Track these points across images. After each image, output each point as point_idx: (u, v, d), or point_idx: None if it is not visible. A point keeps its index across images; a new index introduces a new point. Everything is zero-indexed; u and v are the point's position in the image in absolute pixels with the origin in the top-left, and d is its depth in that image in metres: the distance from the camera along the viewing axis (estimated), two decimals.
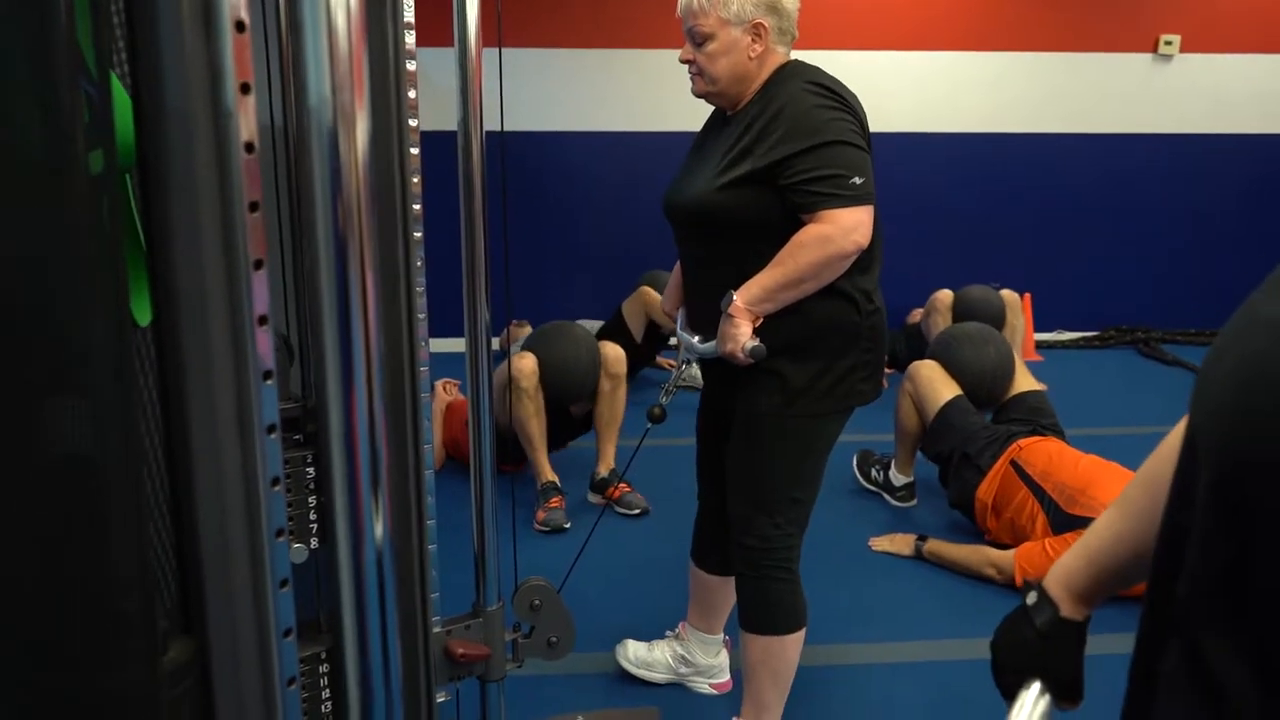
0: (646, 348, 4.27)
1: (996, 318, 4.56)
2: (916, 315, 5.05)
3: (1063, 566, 0.86)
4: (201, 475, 0.83)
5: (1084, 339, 5.57)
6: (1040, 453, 2.87)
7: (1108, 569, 0.83)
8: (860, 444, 3.53)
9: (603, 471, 3.30)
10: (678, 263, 2.01)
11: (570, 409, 3.36)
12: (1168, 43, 5.29)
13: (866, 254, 1.73)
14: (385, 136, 0.80)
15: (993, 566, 2.69)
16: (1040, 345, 5.33)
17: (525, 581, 1.77)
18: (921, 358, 3.38)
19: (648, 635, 2.39)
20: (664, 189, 1.93)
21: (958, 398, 3.11)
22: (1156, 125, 5.32)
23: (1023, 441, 2.93)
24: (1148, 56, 5.33)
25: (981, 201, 5.46)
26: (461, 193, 1.44)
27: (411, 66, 0.92)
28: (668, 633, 2.37)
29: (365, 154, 0.78)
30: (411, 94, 0.93)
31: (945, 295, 4.70)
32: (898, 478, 3.30)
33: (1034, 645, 0.85)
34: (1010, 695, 0.85)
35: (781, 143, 1.67)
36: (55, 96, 0.83)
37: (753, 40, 1.74)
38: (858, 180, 1.65)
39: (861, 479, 3.43)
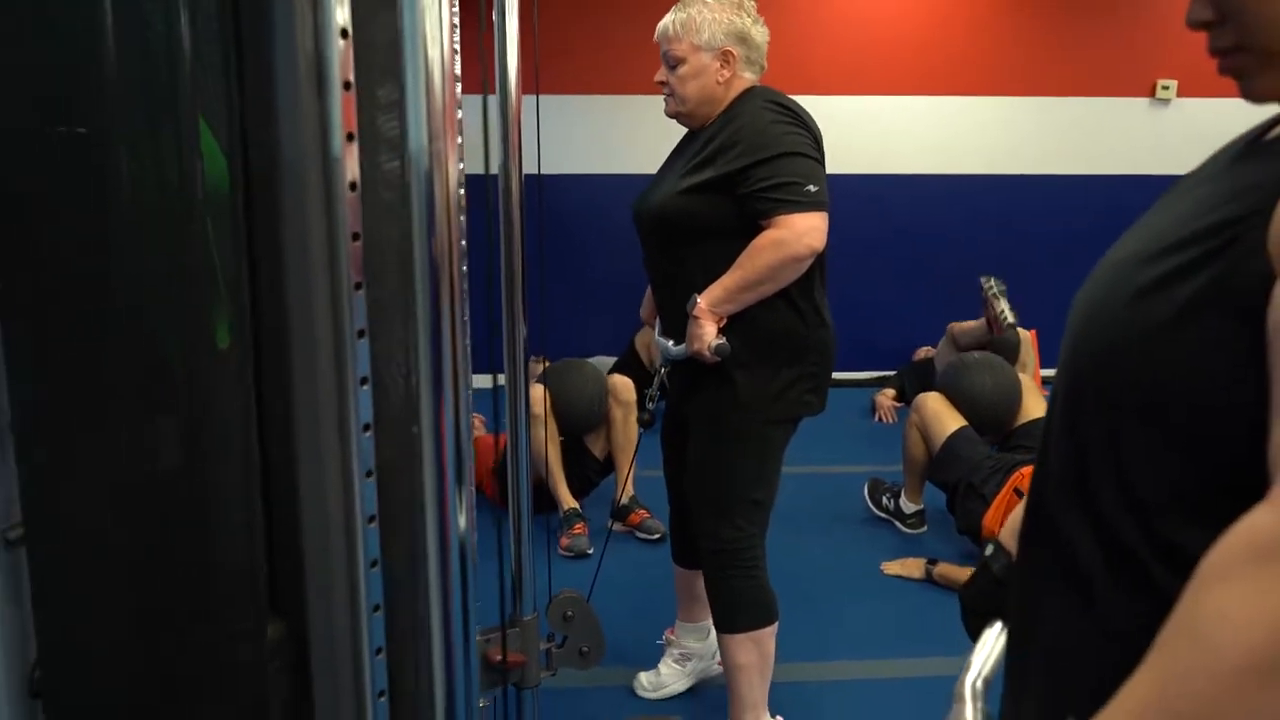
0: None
1: (1011, 350, 4.63)
2: (921, 353, 5.16)
3: (1014, 520, 0.99)
4: (305, 469, 0.95)
5: None
6: None
7: None
8: (870, 473, 3.64)
9: (623, 499, 3.41)
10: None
11: (590, 447, 3.49)
12: (1165, 87, 5.46)
13: (811, 272, 1.85)
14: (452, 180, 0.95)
15: None
16: (1047, 381, 5.44)
17: (560, 593, 1.89)
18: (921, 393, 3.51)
19: (659, 649, 2.50)
20: None
21: (962, 428, 3.22)
22: (1155, 167, 5.46)
23: (1025, 470, 3.03)
24: (1145, 101, 5.50)
25: (987, 241, 5.60)
26: (502, 233, 1.58)
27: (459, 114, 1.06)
28: (658, 643, 2.49)
29: (456, 194, 0.92)
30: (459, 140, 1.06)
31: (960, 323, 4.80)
32: (907, 505, 3.40)
33: (992, 589, 0.98)
34: (975, 636, 0.97)
35: (741, 155, 1.82)
36: (178, 141, 0.98)
37: (721, 66, 1.91)
38: (811, 188, 1.79)
39: (873, 507, 3.54)
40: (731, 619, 2.02)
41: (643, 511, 3.36)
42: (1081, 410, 0.76)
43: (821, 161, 1.86)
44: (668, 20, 1.95)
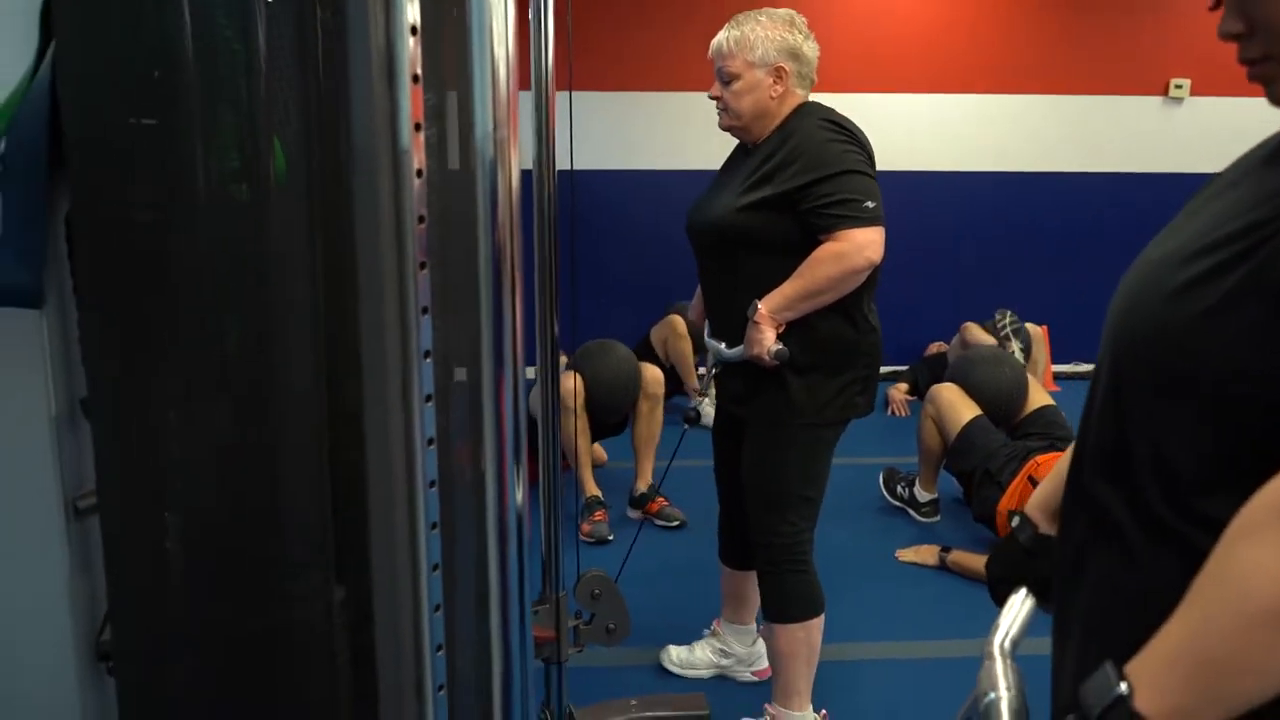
0: (670, 377, 4.49)
1: (1027, 344, 4.71)
2: (934, 348, 5.22)
3: (1038, 494, 1.07)
4: (372, 437, 1.02)
5: None
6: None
7: None
8: (886, 464, 3.70)
9: (641, 487, 3.48)
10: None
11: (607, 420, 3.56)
12: (1178, 86, 5.49)
13: (869, 279, 1.93)
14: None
15: None
16: (1059, 376, 5.49)
17: (587, 572, 1.96)
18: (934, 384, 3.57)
19: (689, 635, 2.57)
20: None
21: (978, 417, 3.28)
22: (1168, 165, 5.50)
23: (1040, 458, 3.09)
24: (1159, 99, 5.54)
25: (1000, 237, 5.65)
26: (536, 227, 1.64)
27: None
28: (705, 631, 2.55)
29: (518, 182, 1.00)
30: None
31: (974, 328, 4.88)
32: (922, 494, 3.46)
33: (1019, 558, 1.05)
34: (1001, 602, 1.04)
35: (800, 173, 1.88)
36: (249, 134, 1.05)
37: (774, 82, 1.97)
38: (870, 204, 1.86)
39: (888, 496, 3.60)
40: (782, 610, 2.10)
41: (661, 500, 3.43)
42: (1122, 395, 0.84)
43: (875, 178, 1.93)
44: (722, 37, 2.01)
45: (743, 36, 1.97)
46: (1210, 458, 0.76)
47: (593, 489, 3.40)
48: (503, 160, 0.98)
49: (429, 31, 0.95)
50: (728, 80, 2.00)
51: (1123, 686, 0.70)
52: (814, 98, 2.05)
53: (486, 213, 0.98)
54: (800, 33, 2.00)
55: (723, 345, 2.07)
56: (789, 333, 1.94)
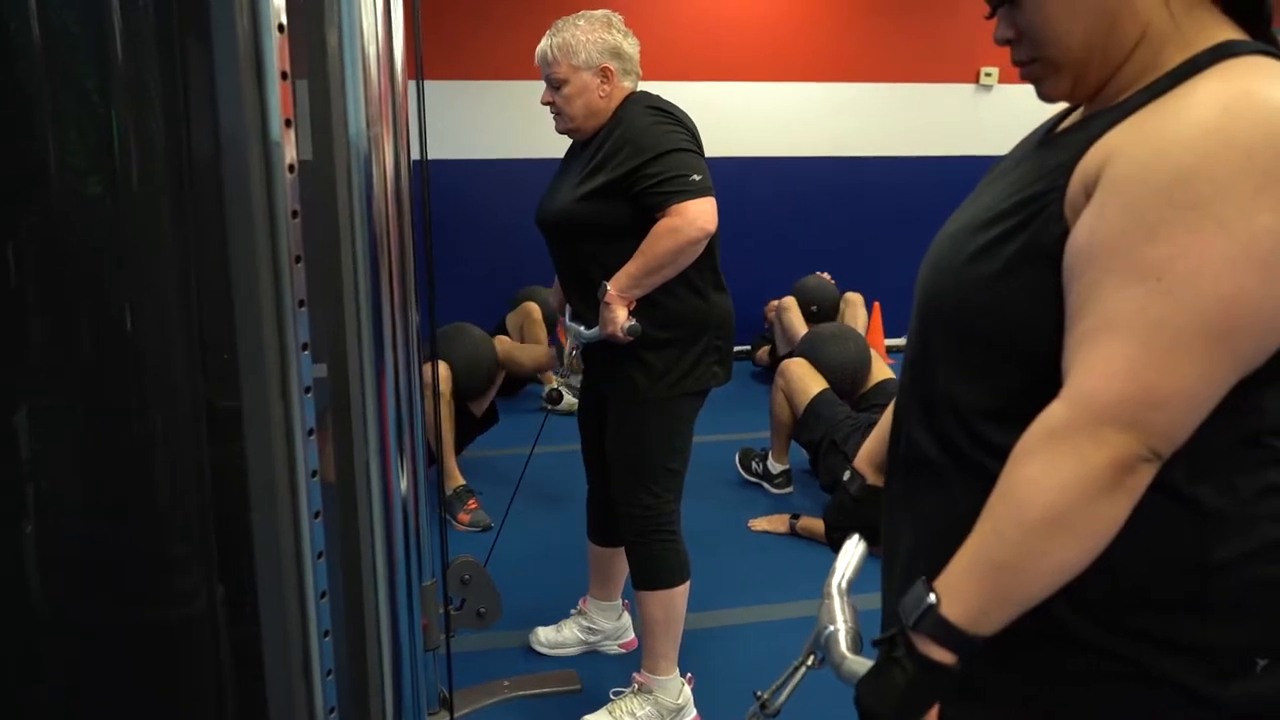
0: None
1: (832, 296, 5.03)
2: (771, 306, 5.46)
3: (865, 448, 1.21)
4: (251, 428, 1.03)
5: None
6: None
7: None
8: (742, 442, 3.87)
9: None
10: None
11: (470, 407, 3.56)
12: (988, 74, 5.90)
13: (707, 251, 2.03)
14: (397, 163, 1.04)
15: None
16: (891, 350, 5.83)
17: (456, 559, 1.98)
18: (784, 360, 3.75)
19: (559, 615, 2.62)
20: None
21: (824, 390, 3.47)
22: (980, 148, 5.91)
23: None
24: (971, 87, 5.94)
25: (830, 220, 5.93)
26: (391, 219, 1.65)
27: None
28: (571, 611, 2.62)
29: (392, 177, 1.02)
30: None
31: (788, 299, 5.10)
32: (775, 466, 3.63)
33: (850, 507, 1.18)
34: (837, 547, 1.17)
35: (628, 158, 1.98)
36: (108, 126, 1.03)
37: (601, 82, 2.06)
38: (696, 177, 1.97)
39: (743, 472, 3.76)
40: (649, 577, 2.18)
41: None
42: (929, 349, 0.98)
43: (700, 153, 2.02)
44: (545, 45, 2.08)
45: (564, 42, 2.05)
46: (1001, 397, 0.89)
47: (459, 478, 3.41)
48: (377, 152, 1.01)
49: (296, 26, 0.97)
50: (557, 86, 2.07)
51: (931, 597, 0.83)
52: (656, 88, 2.14)
53: (361, 204, 1.01)
54: (619, 31, 2.09)
55: (582, 327, 2.13)
56: (640, 309, 2.03)
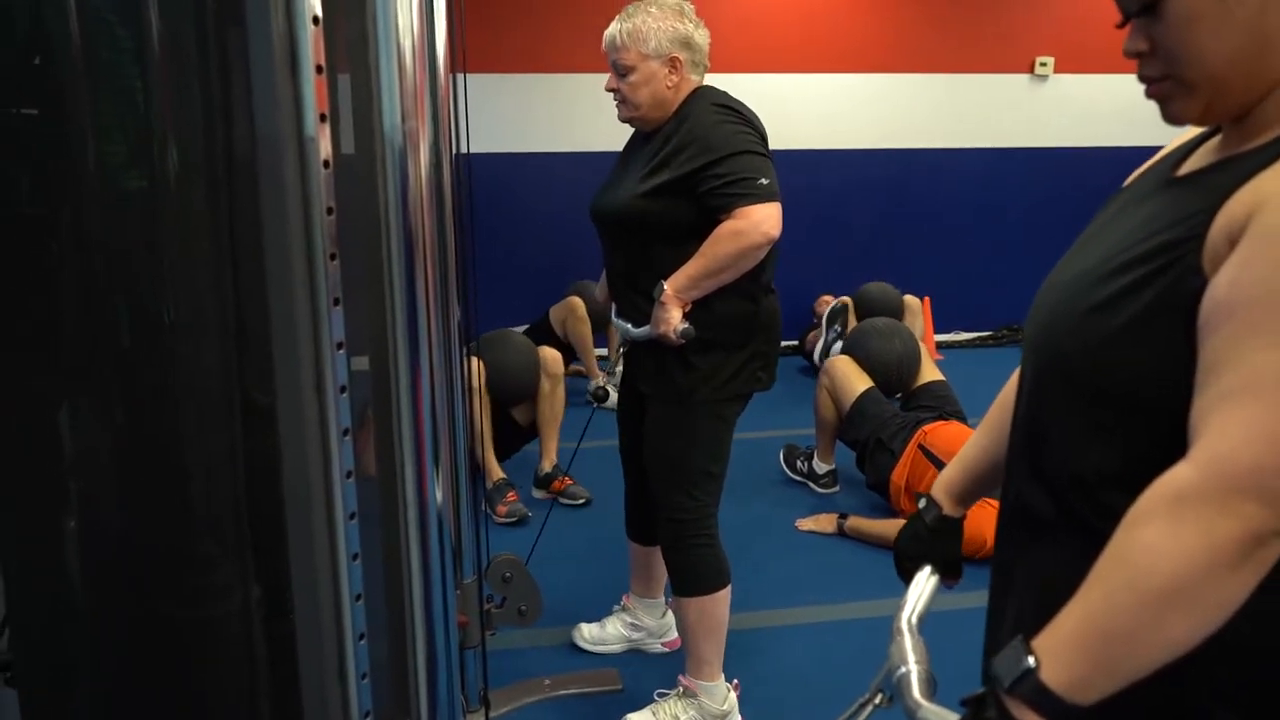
0: (567, 355, 4.51)
1: (895, 308, 4.90)
2: (822, 302, 5.38)
3: (943, 478, 1.15)
4: (285, 427, 1.02)
5: (979, 338, 5.99)
6: (944, 435, 3.17)
7: (975, 474, 1.13)
8: (786, 438, 3.81)
9: (546, 466, 3.50)
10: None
11: (514, 415, 3.56)
12: (1043, 64, 5.76)
13: (766, 256, 1.98)
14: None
15: None
16: (940, 346, 5.73)
17: (498, 556, 1.97)
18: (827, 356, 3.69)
19: (600, 612, 2.60)
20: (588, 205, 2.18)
21: (870, 389, 3.40)
22: (1034, 140, 5.78)
23: (927, 427, 3.23)
24: (1025, 77, 5.80)
25: (880, 213, 5.84)
26: (434, 213, 1.63)
27: None
28: (614, 608, 2.59)
29: (429, 171, 1.00)
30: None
31: (845, 300, 5.04)
32: (820, 466, 3.57)
33: (925, 538, 1.13)
34: (907, 579, 1.11)
35: (695, 156, 1.93)
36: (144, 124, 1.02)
37: (670, 71, 2.01)
38: (764, 181, 1.92)
39: (788, 470, 3.70)
40: (688, 584, 2.15)
41: (566, 478, 3.46)
42: (1044, 403, 0.92)
43: (769, 156, 1.98)
44: (614, 30, 2.03)
45: (635, 29, 2.00)
46: (1125, 460, 0.83)
47: (499, 472, 3.41)
48: (412, 147, 0.99)
49: (332, 19, 0.95)
50: (624, 73, 2.02)
51: (1030, 660, 0.76)
52: (707, 79, 2.10)
53: (397, 200, 0.99)
54: (690, 21, 2.04)
55: (630, 325, 2.10)
56: (691, 311, 1.99)
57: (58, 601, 1.10)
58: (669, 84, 2.02)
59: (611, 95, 2.08)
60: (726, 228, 1.91)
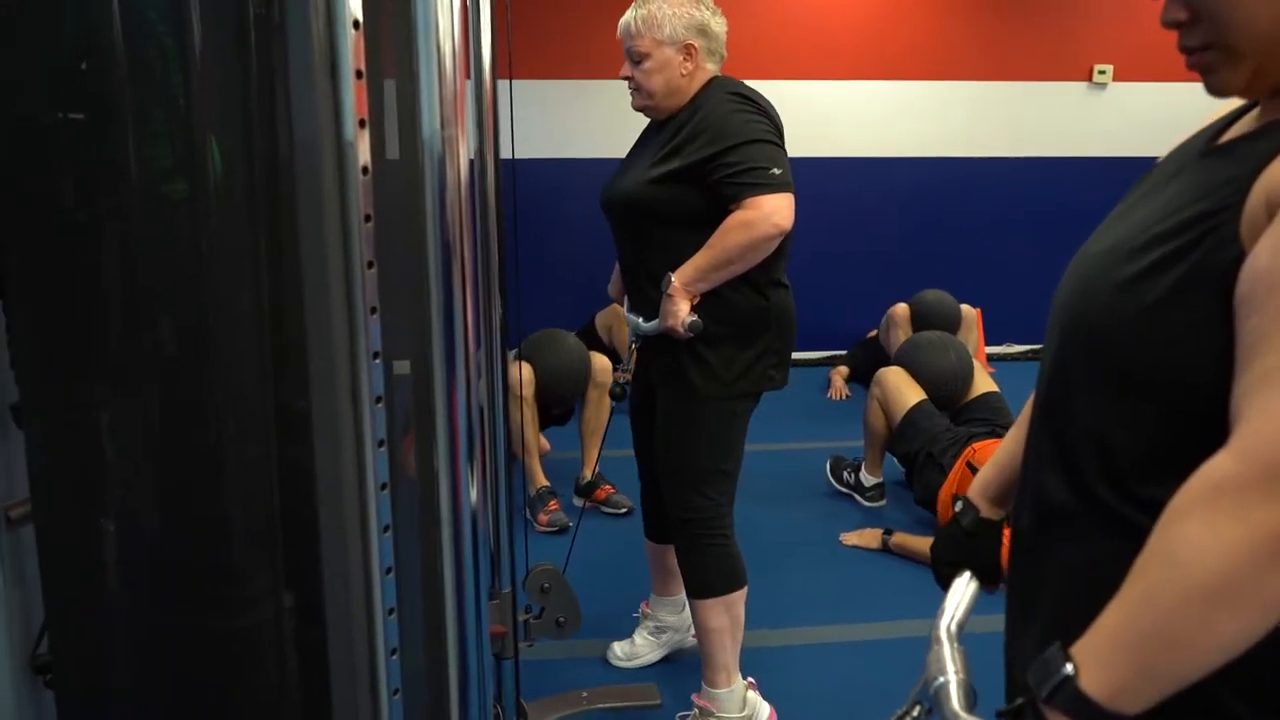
0: (613, 361, 4.49)
1: (952, 317, 4.80)
2: (874, 333, 5.29)
3: (980, 478, 1.10)
4: (321, 439, 1.00)
5: (1031, 351, 5.86)
6: (993, 453, 3.09)
7: (1010, 473, 1.06)
8: (832, 449, 3.75)
9: (588, 474, 3.48)
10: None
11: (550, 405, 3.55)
12: (1101, 72, 5.63)
13: (778, 249, 1.93)
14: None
15: None
16: (991, 358, 5.61)
17: (535, 567, 1.95)
18: (881, 368, 3.62)
19: (635, 621, 2.57)
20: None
21: (922, 401, 3.33)
22: (1091, 149, 5.64)
23: (978, 444, 3.15)
24: (1083, 85, 5.68)
25: (931, 223, 5.74)
26: (478, 217, 1.62)
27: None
28: (635, 616, 2.56)
29: (465, 177, 0.98)
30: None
31: (901, 308, 4.94)
32: (868, 479, 3.50)
33: (963, 541, 1.07)
34: (945, 584, 1.06)
35: (707, 144, 1.89)
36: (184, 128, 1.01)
37: (684, 59, 1.98)
38: (775, 170, 1.87)
39: (834, 482, 3.63)
40: (703, 585, 2.10)
41: (608, 487, 3.43)
42: (1069, 384, 0.86)
43: (782, 146, 1.94)
44: (629, 17, 2.01)
45: (649, 15, 1.97)
46: (1154, 443, 0.78)
47: (542, 479, 3.39)
48: (451, 153, 0.97)
49: (371, 25, 0.93)
50: (638, 60, 2.00)
51: (1068, 667, 0.71)
52: (757, 86, 2.06)
53: (435, 207, 0.97)
54: (707, 8, 2.01)
55: (640, 319, 2.07)
56: (701, 305, 1.95)
57: (94, 607, 1.10)
58: (683, 71, 1.99)
59: (627, 84, 2.05)
60: (736, 218, 1.87)
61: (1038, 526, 0.91)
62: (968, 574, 1.06)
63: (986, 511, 1.07)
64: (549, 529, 3.25)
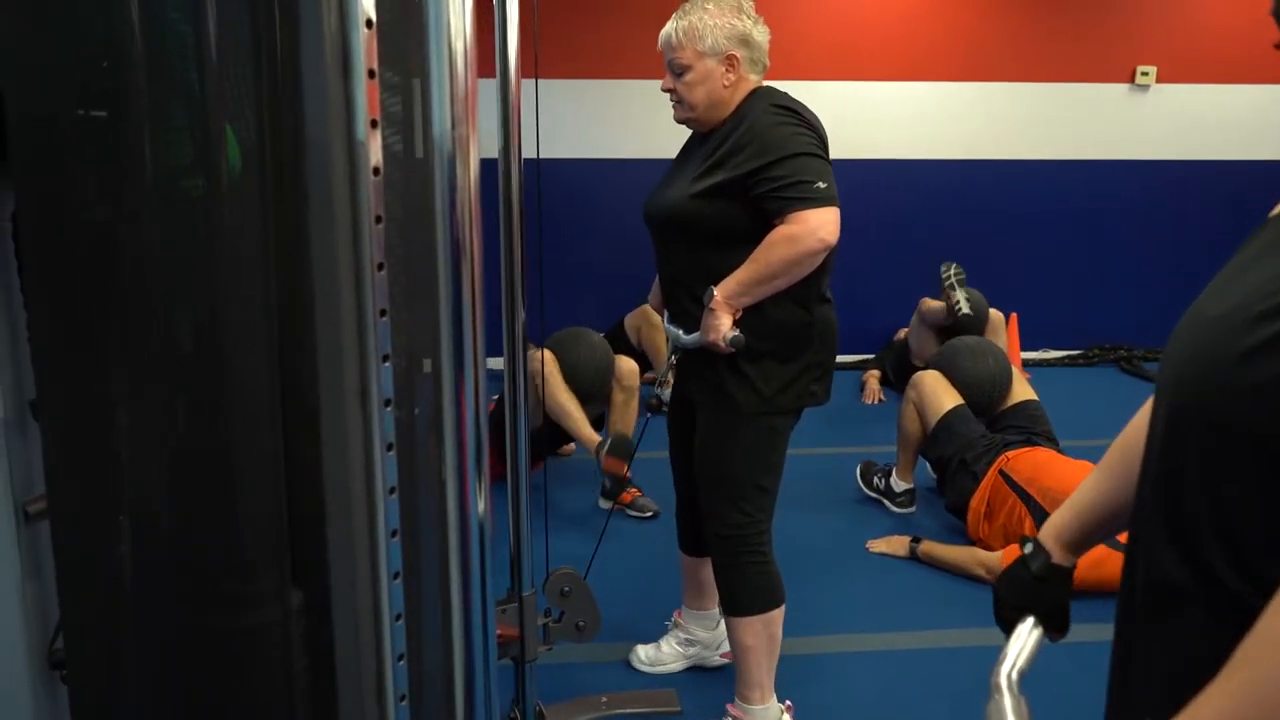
0: (642, 365, 4.47)
1: (982, 314, 4.71)
2: (903, 334, 5.23)
3: (1053, 522, 1.04)
4: (328, 440, 0.99)
5: (1069, 357, 5.77)
6: (1027, 462, 3.04)
7: (1090, 520, 1.01)
8: (864, 455, 3.71)
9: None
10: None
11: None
12: (1144, 73, 5.52)
13: (822, 264, 1.90)
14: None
15: (982, 566, 2.86)
16: (1027, 364, 5.52)
17: (556, 570, 1.93)
18: (911, 371, 3.57)
19: (659, 628, 2.55)
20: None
21: (959, 406, 3.28)
22: (1134, 152, 5.54)
23: (1010, 454, 3.10)
24: (1125, 87, 5.57)
25: (968, 225, 5.66)
26: (501, 216, 1.60)
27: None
28: (666, 624, 2.54)
29: (477, 175, 0.96)
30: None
31: (925, 299, 4.87)
32: (898, 484, 3.46)
33: (1030, 586, 1.02)
34: (1009, 629, 1.01)
35: (751, 157, 1.86)
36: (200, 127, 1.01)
37: (726, 70, 1.94)
38: (821, 185, 1.83)
39: (864, 487, 3.59)
40: (740, 602, 2.07)
41: (634, 490, 3.41)
42: (1183, 462, 0.80)
43: (827, 159, 1.90)
44: (670, 28, 1.98)
45: (690, 26, 1.94)
46: (1276, 520, 0.72)
47: (596, 437, 3.34)
48: (461, 154, 0.95)
49: (385, 24, 0.92)
50: (679, 72, 1.97)
51: None
52: (783, 86, 2.03)
53: (444, 208, 0.95)
54: (749, 17, 1.97)
55: (681, 332, 2.04)
56: (742, 319, 1.92)
57: (109, 603, 1.10)
58: (726, 83, 1.95)
59: (669, 97, 2.02)
60: (781, 232, 1.84)
61: (1150, 602, 0.85)
62: (1031, 619, 1.01)
63: (1059, 557, 1.02)
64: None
